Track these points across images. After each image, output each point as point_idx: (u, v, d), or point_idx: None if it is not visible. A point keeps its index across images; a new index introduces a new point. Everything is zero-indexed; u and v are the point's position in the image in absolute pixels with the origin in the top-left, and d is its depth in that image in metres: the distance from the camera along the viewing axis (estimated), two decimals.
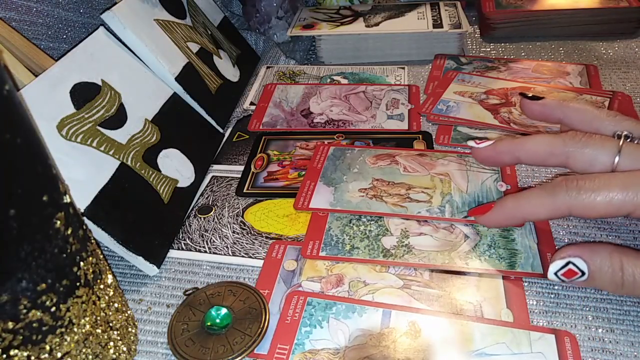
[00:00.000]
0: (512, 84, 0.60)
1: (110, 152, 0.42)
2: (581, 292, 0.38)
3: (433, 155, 0.50)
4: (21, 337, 0.25)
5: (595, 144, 0.34)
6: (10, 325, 0.24)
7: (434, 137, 0.54)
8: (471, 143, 0.40)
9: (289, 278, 0.40)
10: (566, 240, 0.42)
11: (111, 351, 0.32)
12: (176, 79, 0.53)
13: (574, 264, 0.33)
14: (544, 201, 0.34)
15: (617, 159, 0.33)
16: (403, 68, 0.66)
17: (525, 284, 0.39)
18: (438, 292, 0.38)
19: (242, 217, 0.46)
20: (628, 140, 0.34)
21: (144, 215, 0.42)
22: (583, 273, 0.33)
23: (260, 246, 0.43)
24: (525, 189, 0.46)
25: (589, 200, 0.32)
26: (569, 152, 0.35)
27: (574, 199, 0.32)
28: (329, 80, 0.65)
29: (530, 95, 0.41)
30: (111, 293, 0.33)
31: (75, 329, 0.28)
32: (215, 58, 0.61)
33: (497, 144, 0.39)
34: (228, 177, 0.51)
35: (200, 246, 0.44)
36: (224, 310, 0.36)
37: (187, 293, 0.39)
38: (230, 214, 0.47)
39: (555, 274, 0.34)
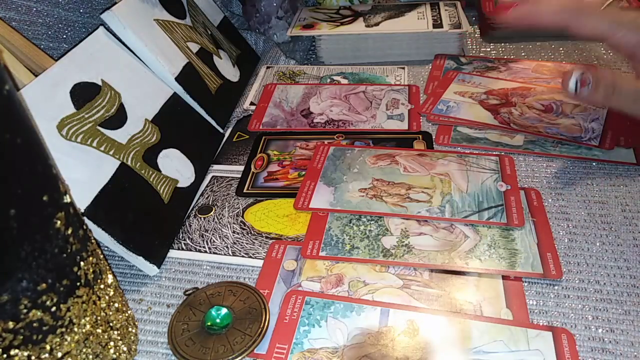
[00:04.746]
0: (512, 84, 0.60)
1: (111, 152, 0.42)
2: (581, 292, 0.38)
3: (433, 155, 0.50)
4: (21, 337, 0.25)
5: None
6: (11, 325, 0.24)
7: (434, 137, 0.54)
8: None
9: (288, 278, 0.40)
10: (566, 241, 0.42)
11: (111, 351, 0.32)
12: (176, 79, 0.53)
13: (586, 75, 0.42)
14: (554, 9, 0.43)
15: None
16: (403, 68, 0.66)
17: (525, 284, 0.39)
18: (438, 291, 0.38)
19: (242, 217, 0.46)
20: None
21: (144, 215, 0.42)
22: (589, 83, 0.41)
23: (260, 246, 0.43)
24: (523, 189, 0.46)
25: (584, 21, 0.42)
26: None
27: (576, 16, 0.42)
28: (329, 80, 0.65)
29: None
30: (111, 293, 0.33)
31: (76, 329, 0.28)
32: (215, 58, 0.61)
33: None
34: (228, 177, 0.51)
35: (200, 246, 0.44)
36: (224, 310, 0.37)
37: (187, 293, 0.39)
38: (230, 214, 0.47)
39: (576, 80, 0.42)
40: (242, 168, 0.52)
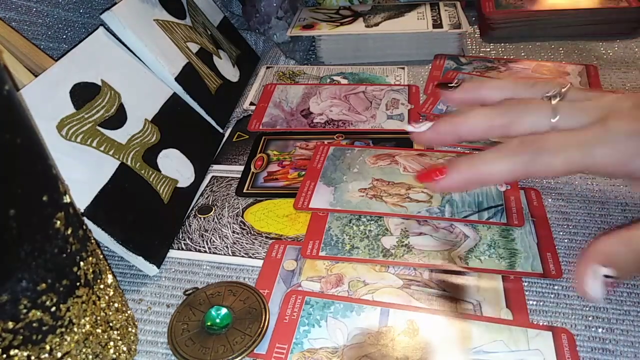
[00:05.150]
0: None
1: (110, 152, 0.42)
2: None
3: (433, 155, 0.50)
4: (21, 337, 0.25)
5: (533, 109, 0.34)
6: (10, 325, 0.24)
7: None
8: (409, 128, 0.38)
9: (288, 278, 0.40)
10: (566, 241, 0.42)
11: (111, 351, 0.32)
12: (176, 79, 0.53)
13: (604, 276, 0.29)
14: (502, 163, 0.33)
15: (555, 119, 0.33)
16: (403, 68, 0.66)
17: (525, 283, 0.39)
18: (437, 291, 0.38)
19: (242, 217, 0.46)
20: (557, 99, 0.34)
21: (144, 215, 0.42)
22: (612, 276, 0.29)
23: (260, 246, 0.43)
24: (523, 189, 0.46)
25: (549, 160, 0.32)
26: (509, 122, 0.35)
27: (534, 160, 0.32)
28: (328, 80, 0.65)
29: (449, 84, 0.40)
30: (111, 293, 0.33)
31: (75, 329, 0.28)
32: (215, 58, 0.61)
33: (437, 126, 0.37)
34: (228, 177, 0.51)
35: (200, 246, 0.44)
36: (224, 310, 0.37)
37: (187, 293, 0.39)
38: (230, 214, 0.47)
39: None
40: (241, 168, 0.52)
